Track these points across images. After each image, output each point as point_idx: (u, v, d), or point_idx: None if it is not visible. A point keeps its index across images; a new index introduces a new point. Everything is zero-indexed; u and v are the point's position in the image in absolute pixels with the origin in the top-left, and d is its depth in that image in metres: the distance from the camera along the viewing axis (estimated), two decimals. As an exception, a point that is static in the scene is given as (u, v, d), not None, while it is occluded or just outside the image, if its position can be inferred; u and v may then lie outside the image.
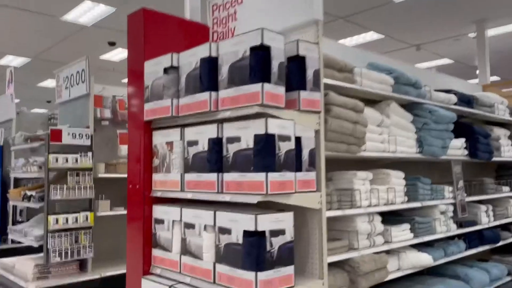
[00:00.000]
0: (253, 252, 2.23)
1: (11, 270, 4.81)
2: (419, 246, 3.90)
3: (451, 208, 4.21)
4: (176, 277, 2.69)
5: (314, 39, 2.68)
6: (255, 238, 2.24)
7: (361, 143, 3.20)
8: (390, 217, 3.73)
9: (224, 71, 2.49)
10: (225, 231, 2.39)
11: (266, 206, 2.46)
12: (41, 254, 4.56)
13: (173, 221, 2.74)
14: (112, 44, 10.83)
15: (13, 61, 12.21)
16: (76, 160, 4.64)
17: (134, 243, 3.00)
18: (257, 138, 2.29)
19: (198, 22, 3.81)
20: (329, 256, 2.75)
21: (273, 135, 2.29)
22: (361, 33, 10.36)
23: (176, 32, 3.17)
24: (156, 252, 2.88)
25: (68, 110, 5.45)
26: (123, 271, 4.27)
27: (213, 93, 2.53)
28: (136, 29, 3.09)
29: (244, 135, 2.36)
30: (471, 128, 4.62)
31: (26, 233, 4.83)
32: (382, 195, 3.43)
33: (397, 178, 3.66)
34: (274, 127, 2.31)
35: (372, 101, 3.70)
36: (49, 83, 14.69)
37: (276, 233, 2.30)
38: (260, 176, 2.26)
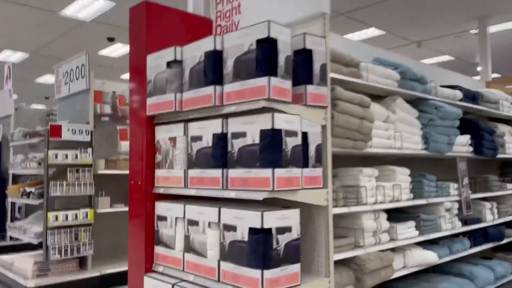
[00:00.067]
0: (259, 249, 2.18)
1: (10, 267, 4.76)
2: (424, 244, 3.86)
3: (456, 205, 4.18)
4: (179, 275, 2.63)
5: (321, 32, 2.61)
6: (261, 235, 2.18)
7: (367, 139, 3.15)
8: (395, 215, 3.68)
9: (229, 65, 2.43)
10: (230, 228, 2.33)
11: (270, 203, 2.41)
12: (41, 251, 4.52)
13: (176, 218, 2.68)
14: (111, 40, 10.76)
15: (12, 56, 12.13)
16: (76, 156, 4.60)
17: (136, 240, 2.94)
18: (264, 133, 2.23)
19: (201, 16, 3.75)
20: (335, 254, 2.69)
21: (280, 131, 2.23)
22: (362, 29, 10.33)
23: (178, 26, 3.10)
24: (158, 250, 2.82)
25: (68, 105, 5.39)
26: (123, 268, 4.24)
27: (218, 87, 2.46)
28: (138, 22, 3.03)
29: (250, 130, 2.30)
30: (477, 124, 4.58)
31: (25, 230, 4.78)
32: (388, 192, 3.39)
33: (402, 175, 3.62)
34: (281, 122, 2.25)
35: (377, 96, 3.65)
36: (48, 78, 14.62)
37: (282, 230, 2.24)
38: (266, 172, 2.20)
